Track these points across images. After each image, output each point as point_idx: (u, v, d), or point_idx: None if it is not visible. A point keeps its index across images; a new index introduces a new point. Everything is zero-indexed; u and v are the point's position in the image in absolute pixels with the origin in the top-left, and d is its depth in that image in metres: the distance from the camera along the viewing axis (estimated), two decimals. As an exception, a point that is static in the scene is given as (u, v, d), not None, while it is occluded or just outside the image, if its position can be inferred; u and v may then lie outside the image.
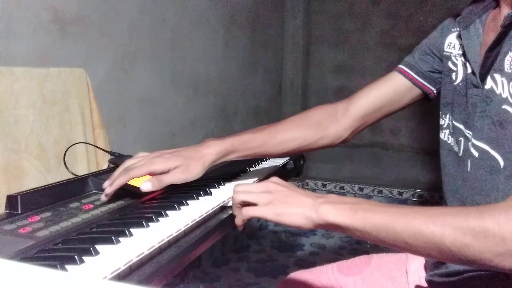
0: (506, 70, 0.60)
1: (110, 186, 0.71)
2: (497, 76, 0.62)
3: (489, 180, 0.66)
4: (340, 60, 2.69)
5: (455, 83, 0.75)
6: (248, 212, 0.65)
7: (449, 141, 0.76)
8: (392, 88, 0.88)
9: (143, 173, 0.71)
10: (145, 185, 0.71)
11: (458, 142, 0.73)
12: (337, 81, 2.72)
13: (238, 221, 0.67)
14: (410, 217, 0.54)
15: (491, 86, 0.63)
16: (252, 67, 2.27)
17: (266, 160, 1.17)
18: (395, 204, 0.60)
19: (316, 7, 2.70)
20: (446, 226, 0.50)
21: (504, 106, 0.60)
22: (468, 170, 0.69)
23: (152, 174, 0.72)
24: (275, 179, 0.68)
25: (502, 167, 0.62)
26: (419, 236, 0.52)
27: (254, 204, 0.65)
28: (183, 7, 1.61)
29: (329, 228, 0.60)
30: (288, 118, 0.90)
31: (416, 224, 0.53)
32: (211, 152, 0.77)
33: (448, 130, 0.76)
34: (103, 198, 0.72)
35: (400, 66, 0.90)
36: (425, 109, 2.50)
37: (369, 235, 0.57)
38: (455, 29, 0.77)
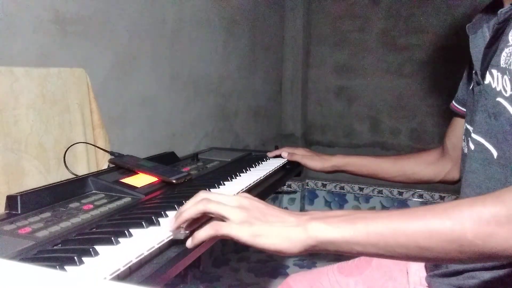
0: (502, 65, 0.62)
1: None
2: (494, 71, 0.64)
3: (482, 171, 0.67)
4: (340, 60, 2.69)
5: (469, 88, 0.77)
6: (221, 228, 0.53)
7: (463, 145, 0.77)
8: (458, 128, 0.90)
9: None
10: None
11: (467, 142, 0.74)
12: (337, 81, 2.72)
13: (204, 235, 0.54)
14: (421, 216, 0.48)
15: (489, 81, 0.65)
16: (252, 67, 2.27)
17: (266, 160, 1.17)
18: (391, 209, 0.54)
19: (316, 7, 2.70)
20: (465, 218, 0.46)
21: (498, 99, 0.62)
22: (465, 164, 0.71)
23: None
24: (246, 194, 0.58)
25: (495, 157, 0.63)
26: (436, 236, 0.47)
27: (222, 220, 0.54)
28: (183, 7, 1.61)
29: (320, 248, 0.52)
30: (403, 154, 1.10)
31: (430, 223, 0.47)
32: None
33: (464, 135, 0.78)
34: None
35: (452, 102, 0.91)
36: (425, 109, 2.50)
37: (374, 247, 0.49)
38: None
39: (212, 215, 0.55)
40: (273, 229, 0.52)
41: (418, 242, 0.47)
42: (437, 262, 0.62)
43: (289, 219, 0.53)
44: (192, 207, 0.56)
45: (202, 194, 0.57)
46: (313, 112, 2.82)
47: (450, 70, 2.31)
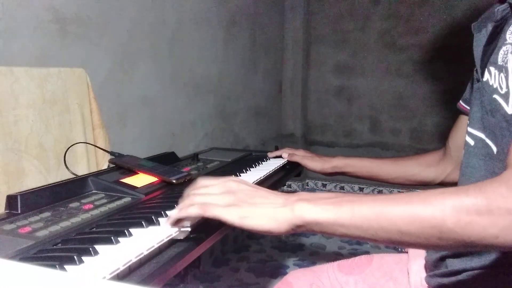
0: (499, 63, 0.63)
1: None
2: (492, 69, 0.65)
3: (483, 166, 0.67)
4: (340, 60, 2.69)
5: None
6: (209, 209, 0.55)
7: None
8: (463, 128, 0.88)
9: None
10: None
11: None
12: (337, 81, 2.72)
13: (189, 212, 0.56)
14: (404, 202, 0.50)
15: (487, 79, 0.66)
16: (252, 67, 2.27)
17: (266, 160, 1.17)
18: (379, 194, 0.56)
19: (316, 7, 2.70)
20: (446, 206, 0.47)
21: (494, 96, 0.62)
22: (461, 158, 0.72)
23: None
24: (235, 177, 0.61)
25: (495, 153, 0.64)
26: (418, 221, 0.48)
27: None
28: (183, 7, 1.61)
29: (306, 229, 0.53)
30: (404, 156, 1.07)
31: (413, 209, 0.49)
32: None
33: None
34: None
35: (460, 101, 0.89)
36: (425, 109, 2.50)
37: (357, 229, 0.51)
38: None
39: None
40: (260, 210, 0.54)
41: (399, 226, 0.49)
42: (417, 248, 0.64)
43: (276, 200, 0.55)
44: (182, 209, 0.57)
45: (193, 187, 0.59)
46: (313, 112, 2.82)
47: (450, 70, 2.31)
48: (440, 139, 2.35)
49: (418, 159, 1.02)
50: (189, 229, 0.60)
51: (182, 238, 0.60)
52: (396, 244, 0.52)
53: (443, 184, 0.99)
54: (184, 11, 1.62)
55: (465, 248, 0.50)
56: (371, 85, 2.62)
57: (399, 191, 2.62)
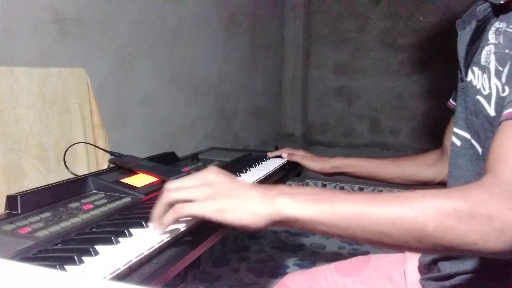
0: (482, 63, 0.62)
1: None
2: (475, 69, 0.64)
3: (470, 167, 0.67)
4: (340, 60, 2.69)
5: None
6: (183, 209, 0.54)
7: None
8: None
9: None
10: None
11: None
12: (337, 81, 2.72)
13: (168, 219, 0.55)
14: (386, 203, 0.49)
15: (471, 79, 0.66)
16: (252, 67, 2.27)
17: (266, 160, 1.17)
18: (361, 192, 0.55)
19: (316, 7, 2.70)
20: (427, 210, 0.47)
21: (477, 96, 0.62)
22: (449, 158, 0.72)
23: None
24: (214, 168, 0.58)
25: (481, 154, 0.64)
26: (399, 223, 0.47)
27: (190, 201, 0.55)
28: (183, 7, 1.61)
29: (285, 224, 0.52)
30: (403, 156, 1.07)
31: (394, 210, 0.48)
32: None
33: None
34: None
35: (450, 100, 0.88)
36: (425, 109, 2.50)
37: (337, 228, 0.50)
38: None
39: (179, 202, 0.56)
40: (238, 203, 0.52)
41: (379, 227, 0.48)
42: (395, 249, 0.64)
43: (254, 193, 0.53)
44: (158, 204, 0.56)
45: (167, 185, 0.57)
46: (313, 112, 2.82)
47: (450, 70, 2.31)
48: (440, 139, 2.35)
49: (417, 159, 1.02)
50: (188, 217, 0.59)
51: (186, 227, 0.61)
52: (375, 244, 0.52)
53: (442, 183, 0.99)
54: (184, 11, 1.62)
55: (444, 252, 0.49)
56: (371, 85, 2.62)
57: (399, 191, 2.62)
